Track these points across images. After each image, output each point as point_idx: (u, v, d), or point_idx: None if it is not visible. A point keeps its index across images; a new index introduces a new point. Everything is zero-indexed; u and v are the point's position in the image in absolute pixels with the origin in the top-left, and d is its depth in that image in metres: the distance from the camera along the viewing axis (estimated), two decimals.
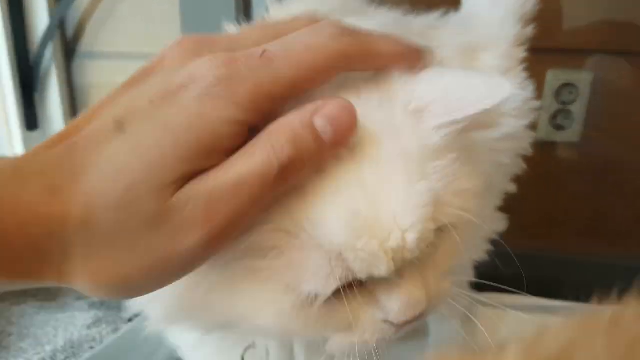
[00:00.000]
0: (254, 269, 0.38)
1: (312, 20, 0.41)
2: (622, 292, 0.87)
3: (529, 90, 0.69)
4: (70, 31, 1.27)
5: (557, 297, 1.03)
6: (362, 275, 0.37)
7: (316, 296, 0.37)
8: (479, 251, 0.77)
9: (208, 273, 0.38)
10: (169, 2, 1.21)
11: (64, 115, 1.28)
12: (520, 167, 0.73)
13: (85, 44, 1.28)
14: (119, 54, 1.28)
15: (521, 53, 0.70)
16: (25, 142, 1.27)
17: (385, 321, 0.41)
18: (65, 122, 1.28)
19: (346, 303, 0.38)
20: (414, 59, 0.41)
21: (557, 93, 1.08)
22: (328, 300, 0.38)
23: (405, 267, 0.38)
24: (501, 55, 0.68)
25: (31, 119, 1.27)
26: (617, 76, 1.07)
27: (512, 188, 0.75)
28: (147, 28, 1.25)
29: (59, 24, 1.21)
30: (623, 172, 1.08)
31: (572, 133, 1.09)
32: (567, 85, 1.08)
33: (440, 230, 0.39)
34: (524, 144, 0.71)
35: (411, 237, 0.36)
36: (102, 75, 1.31)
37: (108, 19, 1.26)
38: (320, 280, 0.36)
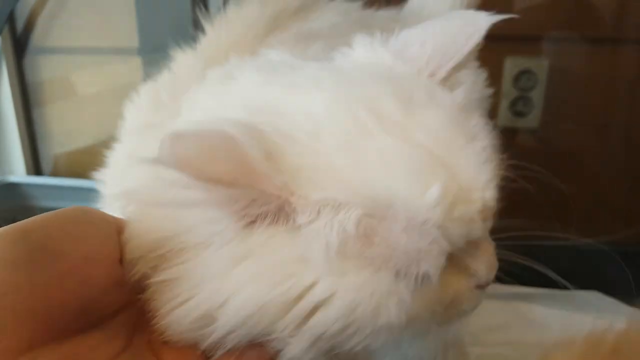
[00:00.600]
0: (363, 259, 0.36)
1: None
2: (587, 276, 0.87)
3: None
4: (20, 25, 1.24)
5: (520, 283, 1.04)
6: (461, 242, 0.37)
7: (428, 276, 0.36)
8: None
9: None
10: None
11: (17, 113, 1.25)
12: None
13: (37, 38, 1.24)
14: (73, 48, 1.25)
15: None
16: None
17: (478, 286, 0.41)
18: (18, 121, 1.25)
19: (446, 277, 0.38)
20: None
21: (516, 80, 1.09)
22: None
23: None
24: None
25: None
26: (574, 62, 1.08)
27: None
28: (102, 21, 1.22)
29: (7, 18, 1.18)
30: (583, 157, 1.09)
31: (532, 119, 1.10)
32: (525, 72, 1.09)
33: None
34: None
35: (489, 194, 0.38)
36: (56, 71, 1.27)
37: (60, 12, 1.23)
38: (431, 258, 0.35)
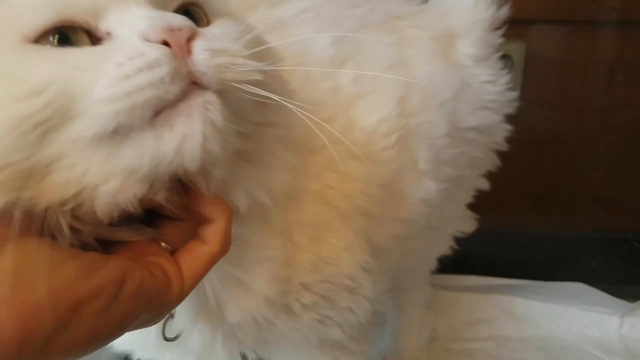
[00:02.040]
0: None
1: None
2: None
3: (504, 80, 0.61)
4: None
5: (504, 274, 0.98)
6: None
7: None
8: (444, 247, 0.72)
9: None
10: None
11: None
12: (493, 163, 0.66)
13: None
14: None
15: (497, 39, 0.62)
16: None
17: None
18: None
19: None
20: None
21: None
22: None
23: None
24: (476, 42, 0.63)
25: None
26: (551, 45, 1.02)
27: (484, 185, 0.67)
28: None
29: None
30: (561, 143, 1.04)
31: None
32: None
33: None
34: (498, 138, 0.64)
35: None
36: None
37: None
38: None
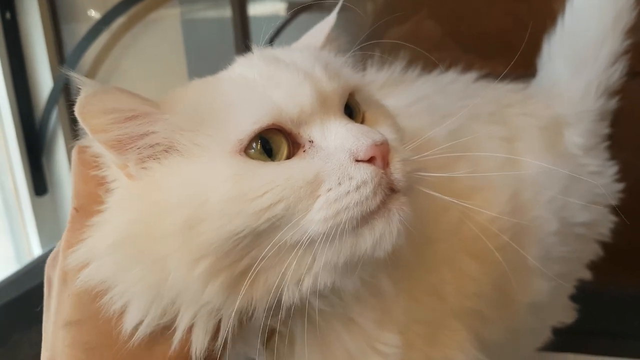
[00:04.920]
0: None
1: None
2: None
3: (611, 171, 0.55)
4: (75, 92, 1.11)
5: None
6: None
7: None
8: (543, 339, 0.66)
9: None
10: (175, 57, 1.07)
11: None
12: (596, 253, 0.60)
13: None
14: None
15: (604, 129, 0.57)
16: (35, 207, 1.11)
17: None
18: None
19: None
20: None
21: None
22: None
23: None
24: (584, 131, 0.59)
25: (39, 183, 1.12)
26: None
27: (587, 275, 0.61)
28: (155, 83, 1.10)
29: (63, 87, 1.06)
30: None
31: None
32: None
33: None
34: (604, 230, 0.58)
35: None
36: None
37: (112, 76, 1.11)
38: None
